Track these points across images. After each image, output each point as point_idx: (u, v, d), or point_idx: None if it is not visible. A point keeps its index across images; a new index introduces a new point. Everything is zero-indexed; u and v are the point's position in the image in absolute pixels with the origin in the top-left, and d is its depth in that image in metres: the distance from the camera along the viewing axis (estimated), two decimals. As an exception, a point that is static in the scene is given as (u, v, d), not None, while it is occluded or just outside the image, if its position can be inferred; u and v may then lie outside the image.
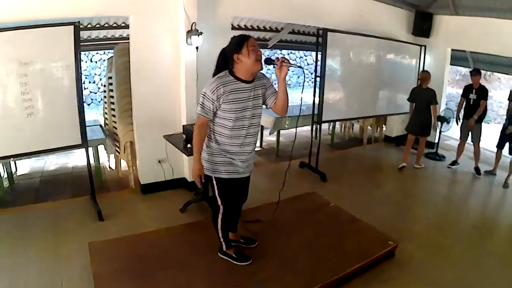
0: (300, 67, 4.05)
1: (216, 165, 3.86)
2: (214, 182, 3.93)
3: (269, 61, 3.71)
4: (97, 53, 17.11)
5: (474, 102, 7.85)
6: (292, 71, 22.79)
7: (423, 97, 7.93)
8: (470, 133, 8.09)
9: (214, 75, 3.72)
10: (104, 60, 16.80)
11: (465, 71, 16.58)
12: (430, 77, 7.94)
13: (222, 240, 4.25)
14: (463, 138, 8.28)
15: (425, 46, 9.26)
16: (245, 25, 10.58)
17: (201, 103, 3.64)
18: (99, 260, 4.25)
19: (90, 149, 6.04)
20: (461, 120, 8.37)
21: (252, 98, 3.75)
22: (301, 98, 4.29)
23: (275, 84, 3.85)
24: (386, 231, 5.03)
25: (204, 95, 3.60)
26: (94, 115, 13.74)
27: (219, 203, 4.02)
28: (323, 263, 4.33)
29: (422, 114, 7.98)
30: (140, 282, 3.94)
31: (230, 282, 4.05)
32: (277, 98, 3.86)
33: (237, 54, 3.58)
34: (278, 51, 21.23)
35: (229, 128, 3.73)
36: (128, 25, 6.03)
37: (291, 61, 3.72)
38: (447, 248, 5.12)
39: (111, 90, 6.95)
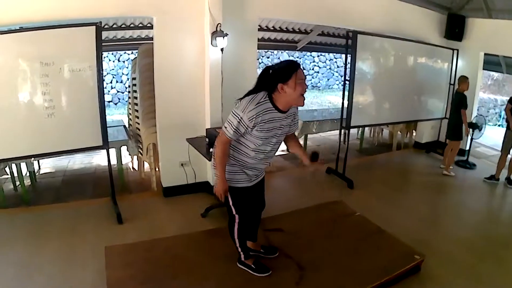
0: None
1: (232, 175, 3.70)
2: (229, 193, 3.77)
3: (316, 156, 3.79)
4: (124, 52, 17.17)
5: None
6: (322, 74, 22.66)
7: (453, 100, 7.90)
8: None
9: (252, 92, 3.50)
10: (131, 60, 16.81)
11: (497, 75, 16.25)
12: (464, 82, 7.75)
13: (240, 250, 4.10)
14: (506, 150, 7.72)
15: (457, 50, 8.97)
16: (273, 27, 10.49)
17: (234, 127, 3.40)
18: (114, 265, 4.17)
19: (113, 150, 5.98)
20: (504, 129, 7.94)
21: (280, 127, 3.58)
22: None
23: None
24: (412, 243, 4.82)
25: (240, 120, 3.36)
26: (120, 115, 13.74)
27: (234, 212, 3.87)
28: (346, 277, 4.14)
29: (451, 117, 7.94)
30: (153, 290, 3.84)
31: (247, 294, 3.92)
32: (290, 143, 3.98)
33: (282, 84, 3.34)
34: (308, 53, 21.11)
35: (250, 149, 3.59)
36: (152, 25, 5.94)
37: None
38: (474, 267, 4.81)
39: (135, 91, 6.87)
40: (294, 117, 3.75)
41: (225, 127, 3.47)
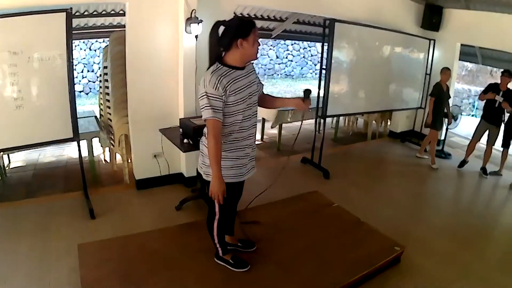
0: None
1: (227, 170, 3.48)
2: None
3: (308, 93, 3.59)
4: (96, 41, 16.86)
5: (500, 104, 7.44)
6: (296, 62, 22.61)
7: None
8: (487, 134, 7.81)
9: (212, 57, 3.36)
10: (103, 49, 16.57)
11: (471, 66, 16.37)
12: (443, 72, 7.86)
13: (218, 246, 3.96)
14: (476, 138, 7.93)
15: (434, 40, 8.99)
16: (248, 14, 10.28)
17: (208, 105, 3.18)
18: (88, 263, 4.01)
19: (84, 142, 5.81)
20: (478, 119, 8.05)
21: (250, 84, 3.42)
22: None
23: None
24: (391, 234, 4.79)
25: (208, 95, 3.17)
26: (92, 106, 13.50)
27: (217, 209, 3.68)
28: (326, 270, 4.08)
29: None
30: (129, 288, 3.70)
31: (226, 290, 3.81)
32: (269, 101, 3.78)
33: (242, 40, 3.21)
34: (282, 41, 21.05)
35: (239, 121, 3.41)
36: (125, 13, 5.76)
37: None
38: (453, 256, 4.83)
39: (106, 80, 6.67)
40: (255, 74, 3.59)
41: (204, 114, 3.25)
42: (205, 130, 3.46)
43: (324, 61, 6.97)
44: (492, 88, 7.58)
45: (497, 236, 5.66)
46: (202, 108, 3.23)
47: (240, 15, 3.10)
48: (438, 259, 4.70)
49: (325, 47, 6.93)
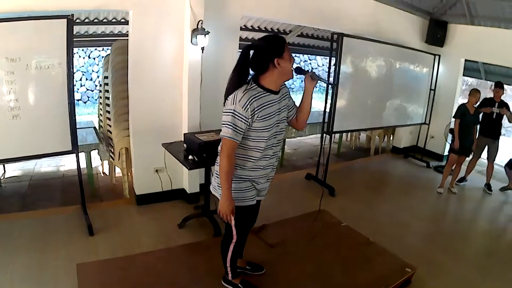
0: (329, 83, 3.58)
1: (241, 193, 3.33)
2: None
3: (300, 70, 3.31)
4: (95, 49, 16.71)
5: (498, 116, 7.45)
6: (296, 75, 22.47)
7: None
8: (487, 149, 7.72)
9: (233, 82, 3.12)
10: (103, 57, 16.43)
11: (471, 81, 16.32)
12: (472, 95, 7.25)
13: (229, 269, 3.77)
14: (477, 154, 7.85)
15: (439, 56, 8.91)
16: (252, 26, 10.27)
17: (231, 124, 3.03)
18: (88, 285, 3.85)
19: (82, 154, 5.63)
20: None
21: (279, 111, 3.25)
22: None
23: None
24: (400, 254, 4.69)
25: (234, 114, 3.01)
26: (90, 116, 13.35)
27: (234, 232, 3.49)
28: None
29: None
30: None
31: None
32: (300, 111, 3.50)
33: (278, 58, 3.03)
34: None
35: (261, 150, 3.24)
36: (127, 21, 5.60)
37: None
38: (466, 279, 4.69)
39: (107, 91, 6.51)
40: (289, 97, 3.44)
41: (223, 131, 3.09)
42: (219, 148, 3.28)
43: (332, 75, 6.79)
44: (487, 102, 7.56)
45: (510, 256, 5.47)
46: (224, 124, 3.07)
47: (270, 33, 2.92)
48: (449, 281, 4.58)
49: (332, 61, 6.78)
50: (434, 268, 4.80)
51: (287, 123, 3.48)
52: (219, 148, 3.26)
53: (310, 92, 3.36)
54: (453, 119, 7.48)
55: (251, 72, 3.14)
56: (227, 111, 3.04)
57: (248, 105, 2.98)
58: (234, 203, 3.25)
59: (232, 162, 3.14)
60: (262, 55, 3.06)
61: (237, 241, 3.54)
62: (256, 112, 3.03)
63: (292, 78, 3.29)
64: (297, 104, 3.55)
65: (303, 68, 3.37)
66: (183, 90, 5.71)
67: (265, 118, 3.09)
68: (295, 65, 3.22)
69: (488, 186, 7.74)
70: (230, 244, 3.57)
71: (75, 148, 5.07)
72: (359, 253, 4.71)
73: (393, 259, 4.59)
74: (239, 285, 3.83)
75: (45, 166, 8.01)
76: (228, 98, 3.10)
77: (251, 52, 3.10)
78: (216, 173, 3.40)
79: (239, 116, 3.00)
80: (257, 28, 10.46)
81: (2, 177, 7.16)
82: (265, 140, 3.18)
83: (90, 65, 17.04)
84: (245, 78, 3.11)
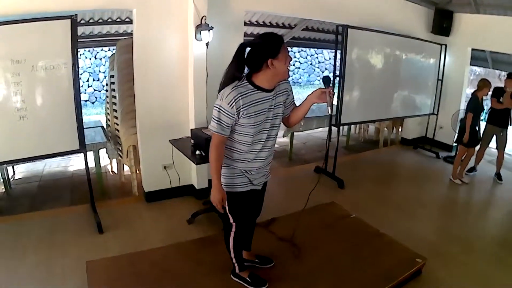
0: (332, 113, 3.52)
1: (230, 179, 3.36)
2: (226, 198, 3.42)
3: (327, 81, 3.34)
4: (101, 49, 16.77)
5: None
6: (303, 69, 22.44)
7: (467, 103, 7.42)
8: (495, 138, 7.62)
9: (228, 77, 3.12)
10: (109, 57, 16.46)
11: (480, 71, 16.20)
12: (484, 86, 7.18)
13: (234, 261, 3.78)
14: (485, 144, 7.76)
15: (445, 45, 8.84)
16: (256, 21, 10.23)
17: (217, 119, 3.09)
18: (97, 282, 3.84)
19: (90, 153, 5.64)
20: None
21: (274, 107, 3.25)
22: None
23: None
24: (411, 245, 4.65)
25: (220, 109, 3.05)
26: (98, 116, 13.40)
27: (231, 220, 3.52)
28: (347, 286, 3.93)
29: (464, 120, 7.39)
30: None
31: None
32: (294, 115, 3.50)
33: (272, 59, 3.01)
34: (289, 49, 20.89)
35: (247, 144, 3.25)
36: (131, 20, 5.61)
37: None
38: (477, 268, 4.64)
39: (113, 90, 6.52)
40: (288, 94, 3.43)
41: (211, 125, 3.14)
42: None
43: (338, 68, 6.78)
44: (497, 91, 7.44)
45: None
46: (212, 118, 3.12)
47: (269, 32, 2.84)
48: (460, 272, 4.53)
49: (338, 54, 6.77)
50: (445, 258, 4.75)
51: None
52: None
53: (312, 104, 3.35)
54: (461, 109, 7.45)
55: (246, 69, 3.15)
56: (216, 106, 3.07)
57: (234, 102, 2.99)
58: (224, 190, 3.31)
59: (219, 153, 3.19)
60: (257, 54, 3.06)
61: (237, 230, 3.56)
62: (242, 110, 3.03)
63: (287, 78, 3.27)
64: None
65: (330, 79, 3.41)
66: (189, 86, 5.72)
67: (251, 115, 3.09)
68: (326, 73, 3.23)
69: (498, 176, 7.67)
70: (230, 233, 3.59)
71: (83, 147, 5.08)
72: (369, 245, 4.68)
73: (403, 250, 4.55)
74: (247, 278, 3.83)
75: (54, 166, 8.06)
76: (219, 93, 3.12)
77: (248, 49, 3.10)
78: None
79: (225, 112, 3.03)
80: (262, 23, 10.43)
81: (12, 179, 7.19)
82: (251, 135, 3.20)
83: (96, 66, 17.10)
84: (239, 74, 3.11)
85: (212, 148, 3.18)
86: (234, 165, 3.35)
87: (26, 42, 4.45)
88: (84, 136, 5.10)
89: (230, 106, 3.00)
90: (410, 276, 4.22)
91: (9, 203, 6.33)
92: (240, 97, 3.01)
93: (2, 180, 6.68)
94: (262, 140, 3.29)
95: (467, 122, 7.08)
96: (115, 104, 6.51)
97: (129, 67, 5.83)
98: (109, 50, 16.37)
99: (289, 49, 20.42)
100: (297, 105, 3.54)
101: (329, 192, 6.53)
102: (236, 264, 3.79)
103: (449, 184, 7.45)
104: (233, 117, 3.05)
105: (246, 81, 3.09)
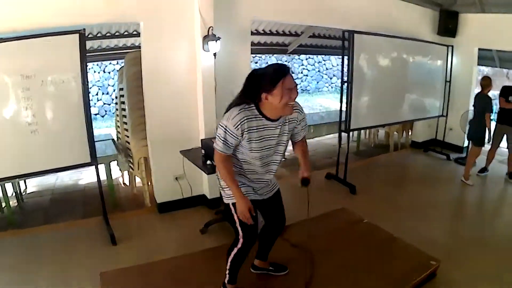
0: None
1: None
2: (233, 211, 3.39)
3: (306, 182, 3.48)
4: (110, 63, 16.81)
5: None
6: (311, 77, 22.38)
7: (477, 103, 7.35)
8: (505, 138, 7.58)
9: (236, 102, 3.13)
10: (117, 71, 16.50)
11: (487, 70, 16.18)
12: (490, 82, 7.25)
13: (227, 272, 3.73)
14: (495, 144, 7.69)
15: (452, 46, 8.82)
16: (263, 30, 10.21)
17: (222, 139, 3.10)
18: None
19: (102, 165, 5.67)
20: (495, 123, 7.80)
21: (277, 135, 3.25)
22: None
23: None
24: (424, 248, 4.62)
25: (226, 130, 3.06)
26: (108, 129, 13.45)
27: (240, 235, 3.48)
28: None
29: (474, 121, 7.44)
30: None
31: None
32: (297, 150, 3.58)
33: (266, 94, 2.97)
34: (296, 56, 20.82)
35: (249, 163, 3.29)
36: (139, 33, 5.64)
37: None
38: (491, 269, 4.62)
39: (123, 103, 6.57)
40: (298, 123, 3.39)
41: (215, 143, 3.17)
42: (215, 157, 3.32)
43: (346, 74, 6.77)
44: (506, 90, 7.45)
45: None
46: (217, 136, 3.15)
47: (275, 64, 2.78)
48: (475, 273, 4.50)
49: (345, 60, 6.77)
50: (459, 260, 4.73)
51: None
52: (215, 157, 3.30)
53: (301, 165, 3.49)
54: (470, 110, 7.44)
55: None
56: (221, 125, 3.08)
57: (239, 125, 3.00)
58: (231, 201, 3.34)
59: (228, 166, 3.21)
60: (253, 86, 3.05)
61: (241, 248, 3.51)
62: (245, 134, 3.05)
63: (290, 114, 3.18)
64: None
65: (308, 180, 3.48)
66: (198, 96, 5.74)
67: (253, 140, 3.12)
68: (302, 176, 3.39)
69: (510, 175, 7.62)
70: (234, 248, 3.56)
71: (94, 160, 5.12)
72: (383, 249, 4.67)
73: (417, 253, 4.54)
74: None
75: (66, 180, 8.08)
76: (226, 112, 3.13)
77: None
78: (217, 175, 3.51)
79: (230, 133, 3.05)
80: (269, 32, 10.42)
81: (24, 193, 7.23)
82: (250, 160, 3.25)
83: (105, 80, 17.13)
84: (248, 101, 3.11)
85: (219, 165, 3.22)
86: (239, 175, 3.37)
87: (35, 57, 4.51)
88: (95, 149, 5.12)
89: (235, 128, 3.01)
90: (425, 279, 4.20)
91: (22, 217, 6.36)
92: (246, 121, 3.02)
93: (14, 194, 6.69)
94: (264, 164, 3.32)
95: (487, 123, 7.09)
96: (125, 116, 6.55)
97: (138, 79, 5.86)
98: (117, 63, 16.39)
99: (296, 56, 20.34)
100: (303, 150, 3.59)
101: (341, 198, 6.54)
102: (227, 275, 3.75)
103: (461, 186, 7.42)
104: (238, 139, 3.07)
105: (253, 105, 3.10)
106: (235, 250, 3.55)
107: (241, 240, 3.48)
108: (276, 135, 3.23)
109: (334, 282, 4.05)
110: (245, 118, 3.02)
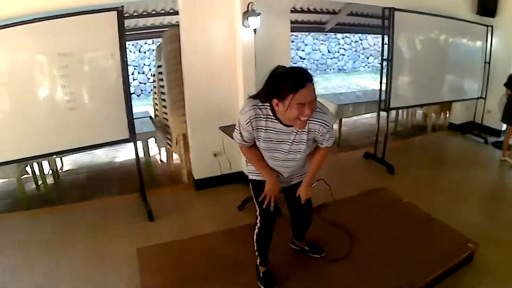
0: None
1: (250, 165, 3.46)
2: (251, 186, 3.48)
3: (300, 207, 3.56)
4: (145, 42, 16.86)
5: None
6: (348, 56, 22.15)
7: None
8: None
9: (257, 93, 2.95)
10: (153, 50, 16.54)
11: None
12: None
13: (257, 254, 3.74)
14: None
15: (491, 27, 8.57)
16: (300, 8, 10.11)
17: (239, 131, 3.12)
18: (149, 268, 3.98)
19: (139, 142, 5.69)
20: None
21: (291, 142, 3.10)
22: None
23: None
24: (462, 230, 4.56)
25: (240, 124, 3.05)
26: (144, 106, 13.58)
27: (257, 212, 3.51)
28: (400, 271, 3.89)
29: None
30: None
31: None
32: (316, 158, 3.39)
33: (277, 101, 2.77)
34: (333, 35, 20.62)
35: (265, 152, 3.26)
36: (176, 11, 5.61)
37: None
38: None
39: (161, 80, 6.57)
40: (318, 134, 3.10)
41: (234, 133, 3.23)
42: None
43: (385, 53, 6.67)
44: None
45: None
46: (235, 129, 3.20)
47: (296, 69, 2.58)
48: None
49: (385, 38, 6.63)
50: (496, 244, 4.62)
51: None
52: None
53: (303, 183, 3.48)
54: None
55: None
56: (238, 119, 3.09)
57: (249, 122, 2.97)
58: (250, 177, 3.52)
59: (252, 152, 3.28)
60: (270, 85, 2.82)
61: (261, 226, 3.52)
62: (254, 131, 3.04)
63: (300, 128, 2.97)
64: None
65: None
66: (238, 72, 5.71)
67: (263, 140, 3.09)
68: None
69: None
70: (255, 226, 3.58)
71: (132, 136, 5.15)
72: (422, 230, 4.63)
73: (455, 235, 4.48)
74: (261, 274, 3.79)
75: (102, 158, 8.21)
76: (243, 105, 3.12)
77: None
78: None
79: (242, 127, 3.06)
80: (306, 10, 10.31)
81: (60, 170, 7.35)
82: (265, 151, 3.23)
83: (141, 59, 17.22)
84: (265, 98, 2.92)
85: (242, 151, 3.33)
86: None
87: (73, 36, 4.54)
88: (134, 125, 5.16)
89: (246, 124, 2.98)
90: (462, 261, 4.15)
91: (59, 194, 6.48)
92: (254, 119, 2.96)
93: (51, 172, 6.80)
94: (280, 159, 3.26)
95: None
96: (163, 93, 6.57)
97: (176, 56, 5.85)
98: (153, 43, 16.50)
99: (333, 35, 20.07)
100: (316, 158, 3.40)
101: (379, 178, 6.48)
102: (258, 257, 3.77)
103: (499, 170, 7.28)
104: (252, 133, 3.07)
105: (268, 105, 2.95)
106: (256, 229, 3.58)
107: (259, 218, 3.51)
108: (290, 142, 3.10)
109: (371, 261, 4.04)
110: (254, 116, 2.95)
